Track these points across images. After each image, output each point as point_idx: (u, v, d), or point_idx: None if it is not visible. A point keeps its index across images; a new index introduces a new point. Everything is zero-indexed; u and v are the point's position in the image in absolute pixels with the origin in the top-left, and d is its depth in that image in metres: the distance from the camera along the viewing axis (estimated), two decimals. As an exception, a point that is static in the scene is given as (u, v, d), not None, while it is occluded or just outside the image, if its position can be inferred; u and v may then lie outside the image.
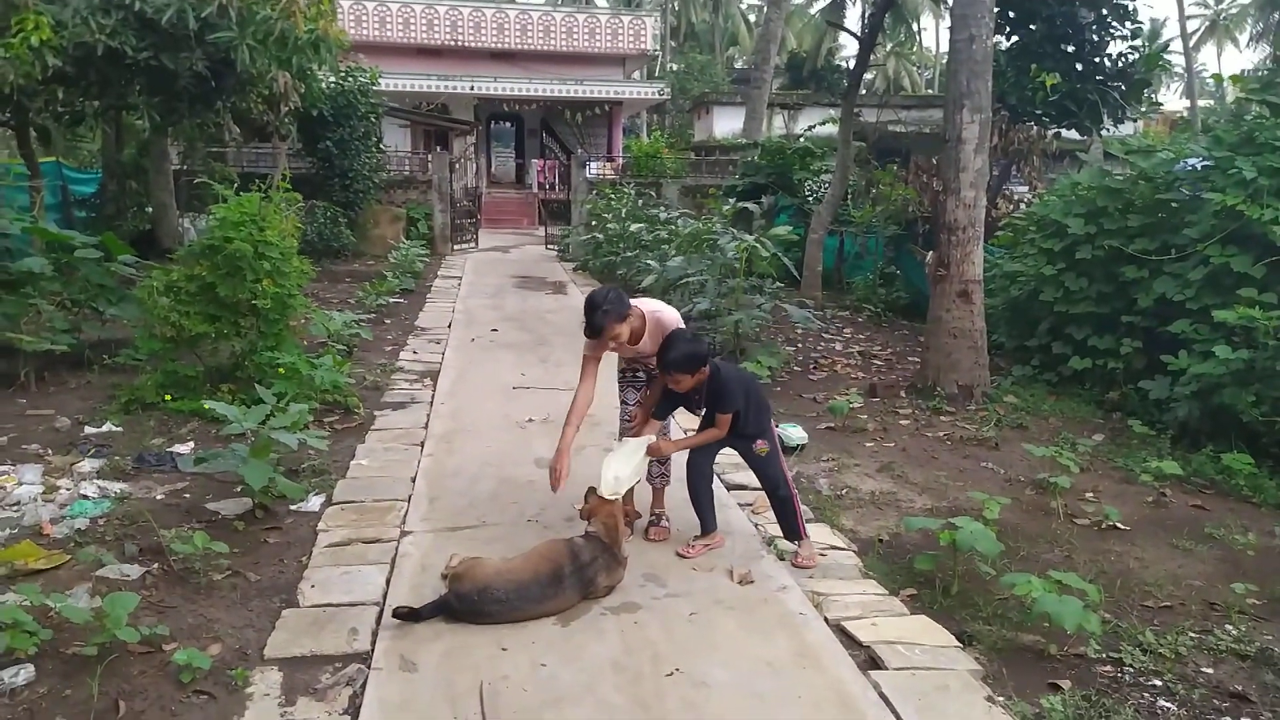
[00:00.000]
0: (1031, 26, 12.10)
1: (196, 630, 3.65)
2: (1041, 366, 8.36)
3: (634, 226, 12.99)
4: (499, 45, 27.89)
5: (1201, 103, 39.85)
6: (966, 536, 4.16)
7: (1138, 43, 12.57)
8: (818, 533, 4.84)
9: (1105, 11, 12.05)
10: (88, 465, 5.32)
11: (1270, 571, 4.59)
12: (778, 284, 9.51)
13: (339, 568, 4.18)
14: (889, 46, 45.73)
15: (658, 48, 35.56)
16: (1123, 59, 12.30)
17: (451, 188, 19.88)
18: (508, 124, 31.80)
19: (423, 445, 6.06)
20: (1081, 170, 9.35)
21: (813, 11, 46.82)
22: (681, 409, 4.64)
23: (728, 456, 4.76)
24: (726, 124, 29.66)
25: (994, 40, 8.13)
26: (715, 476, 4.77)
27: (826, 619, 3.88)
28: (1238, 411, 6.00)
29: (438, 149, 21.82)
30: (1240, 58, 60.70)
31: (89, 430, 6.00)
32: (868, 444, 6.57)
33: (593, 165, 23.54)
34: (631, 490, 4.39)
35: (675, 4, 50.01)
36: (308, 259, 7.41)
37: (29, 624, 3.27)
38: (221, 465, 4.90)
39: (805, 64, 41.61)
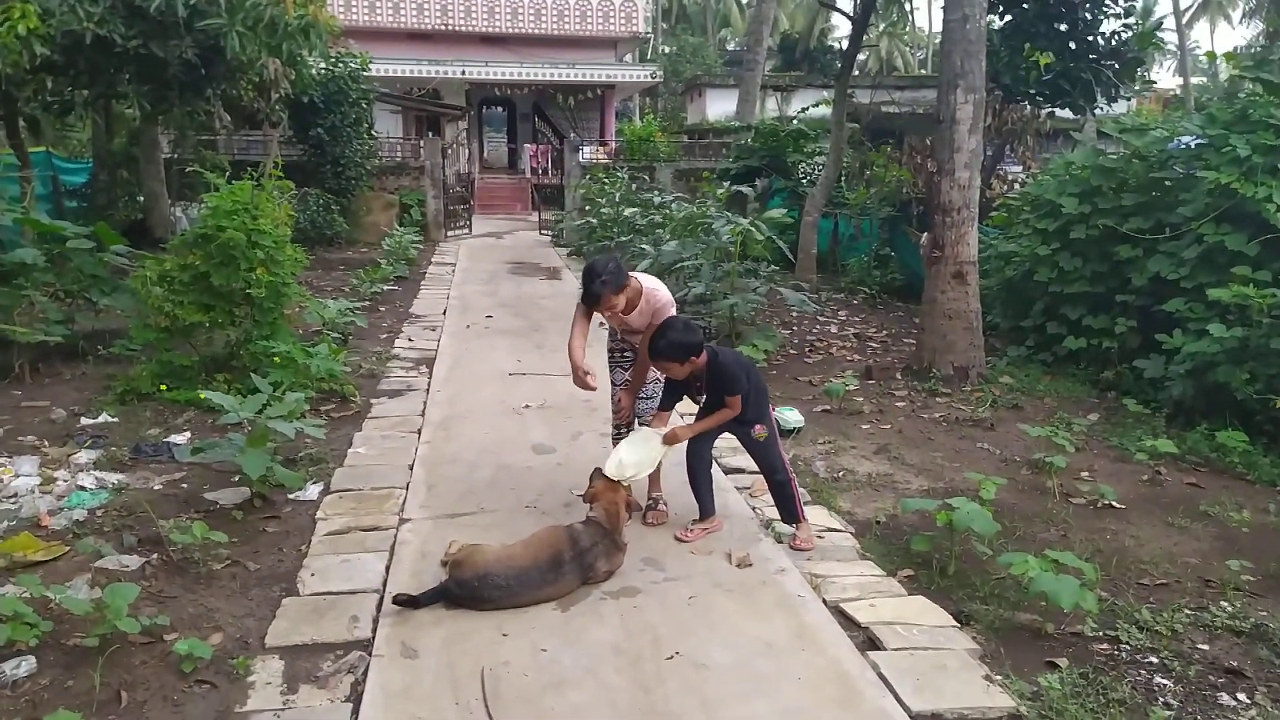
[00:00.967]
0: (1024, 5, 12.06)
1: (197, 620, 3.65)
2: (1037, 347, 8.38)
3: (628, 211, 12.95)
4: (490, 29, 27.70)
5: (1194, 80, 39.79)
6: (963, 517, 4.18)
7: (1131, 20, 12.54)
8: (815, 515, 4.86)
9: (1098, -11, 12.02)
10: (84, 456, 5.32)
11: (1265, 548, 4.62)
12: (773, 267, 9.51)
13: (338, 556, 4.18)
14: (882, 27, 45.51)
15: (649, 30, 35.39)
16: (1116, 37, 12.26)
17: (444, 173, 19.79)
18: (500, 109, 31.63)
19: (420, 433, 6.06)
20: (1075, 150, 9.33)
21: (805, -8, 46.57)
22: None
23: (725, 440, 4.77)
24: (719, 107, 29.50)
25: (987, 19, 8.08)
26: (713, 460, 4.78)
27: (825, 600, 3.90)
28: (1232, 389, 6.03)
29: (430, 135, 21.74)
30: (1233, 34, 60.67)
31: (85, 421, 5.99)
32: (864, 426, 6.59)
33: (586, 149, 23.45)
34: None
35: (667, -14, 49.71)
36: (301, 247, 7.38)
37: (29, 616, 3.28)
38: (218, 455, 4.90)
39: (798, 45, 41.36)
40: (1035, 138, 12.87)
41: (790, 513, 4.45)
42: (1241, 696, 3.32)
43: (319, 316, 7.81)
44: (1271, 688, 3.38)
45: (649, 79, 28.45)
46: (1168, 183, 7.43)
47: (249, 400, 4.89)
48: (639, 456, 4.26)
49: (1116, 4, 12.09)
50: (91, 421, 5.98)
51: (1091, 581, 3.82)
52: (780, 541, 4.47)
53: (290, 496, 4.89)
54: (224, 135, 18.80)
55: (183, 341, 6.78)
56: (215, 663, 3.33)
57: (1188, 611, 3.94)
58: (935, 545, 4.36)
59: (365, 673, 3.28)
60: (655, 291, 4.43)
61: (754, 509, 4.86)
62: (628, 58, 31.41)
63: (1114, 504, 5.16)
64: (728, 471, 5.37)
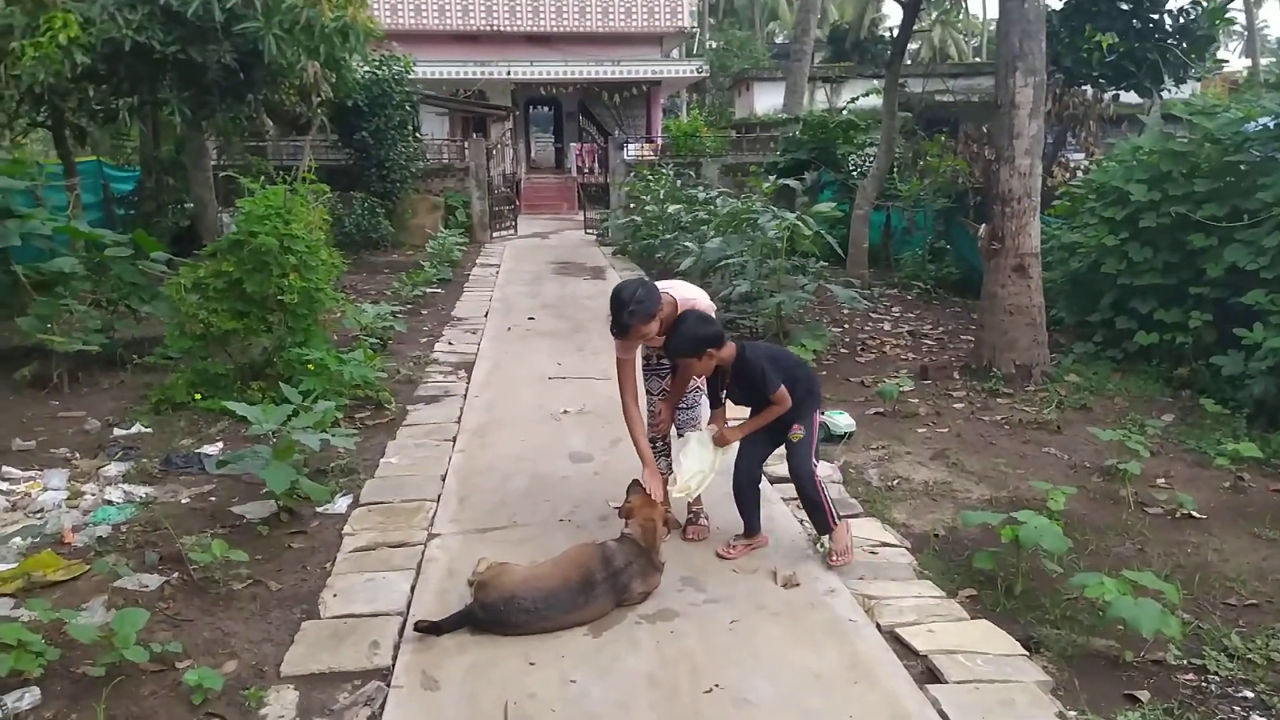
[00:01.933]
0: (1085, -16, 11.53)
1: (212, 645, 3.49)
2: (1104, 343, 7.91)
3: (672, 208, 12.69)
4: (535, 28, 27.63)
5: (1264, 61, 38.23)
6: (1031, 532, 3.85)
7: (1198, -4, 11.91)
8: (867, 528, 4.56)
9: (1163, -35, 11.45)
10: (114, 469, 5.22)
11: (1366, 564, 4.20)
12: (822, 263, 9.16)
13: (363, 574, 3.99)
14: (934, 15, 44.51)
15: (695, 25, 34.97)
16: (1183, 15, 11.65)
17: (489, 174, 19.70)
18: (545, 108, 31.54)
19: (455, 440, 5.87)
20: (1142, 134, 8.83)
21: (854, -19, 45.74)
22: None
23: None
24: (767, 100, 29.07)
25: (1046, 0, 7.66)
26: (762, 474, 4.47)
27: (879, 625, 3.61)
28: (1321, 388, 5.57)
29: (475, 135, 21.66)
30: (1304, 13, 58.09)
31: (118, 432, 5.92)
32: (920, 430, 6.24)
33: (631, 147, 23.22)
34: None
35: (713, -20, 49.26)
36: (345, 251, 7.27)
37: (36, 644, 3.13)
38: (245, 467, 4.76)
39: (848, 36, 40.67)
40: (1098, 122, 12.25)
41: (821, 521, 4.14)
42: (1353, 739, 2.96)
43: (356, 322, 7.68)
44: (1387, 729, 3.00)
45: (695, 74, 28.13)
46: (1243, 166, 6.92)
47: (275, 411, 4.73)
48: (700, 465, 4.03)
49: (1183, -20, 11.51)
50: (124, 432, 5.90)
51: (1173, 604, 3.48)
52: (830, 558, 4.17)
53: (319, 510, 4.72)
54: (271, 142, 18.94)
55: (218, 349, 6.69)
56: (227, 693, 3.15)
57: (1283, 637, 3.57)
58: (999, 562, 4.04)
59: (383, 705, 3.08)
60: (694, 302, 4.09)
61: (801, 522, 4.54)
62: (674, 53, 31.14)
63: (1194, 514, 4.77)
64: (774, 481, 5.03)
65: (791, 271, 8.34)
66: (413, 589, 3.86)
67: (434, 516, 4.63)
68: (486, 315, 10.42)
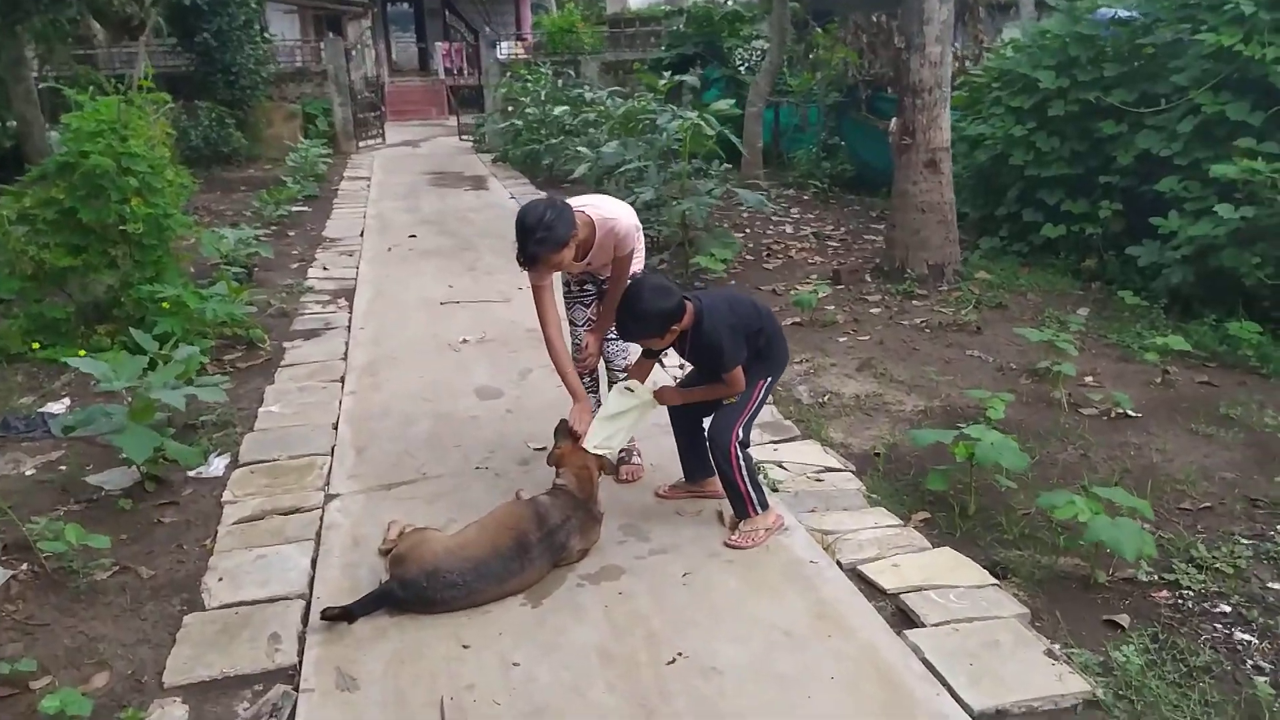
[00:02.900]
0: None
1: (75, 655, 2.91)
2: (1010, 237, 7.79)
3: (556, 110, 11.94)
4: (388, -85, 25.57)
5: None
6: (988, 449, 3.61)
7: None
8: (808, 452, 4.28)
9: None
10: (-65, 440, 4.43)
11: (1304, 455, 4.16)
12: (726, 165, 8.71)
13: (251, 551, 3.44)
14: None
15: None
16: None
17: (350, 78, 18.30)
18: (406, 4, 29.56)
19: (343, 381, 5.26)
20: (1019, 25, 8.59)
21: None
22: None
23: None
24: (642, -6, 27.97)
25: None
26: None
27: (840, 563, 3.31)
28: (1239, 275, 5.52)
29: (330, 35, 20.04)
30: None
31: (-61, 394, 5.06)
32: (841, 339, 5.97)
33: (504, 45, 21.93)
34: None
35: None
36: (194, 168, 6.39)
37: None
38: (96, 430, 4.06)
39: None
40: (988, 9, 12.05)
41: (739, 507, 3.45)
42: (1341, 651, 2.84)
43: (215, 250, 6.82)
44: (1371, 637, 2.90)
45: (564, -35, 26.69)
46: (1152, 49, 6.74)
47: (128, 363, 4.04)
48: (622, 421, 3.49)
49: None
50: (-53, 394, 5.06)
51: (1148, 519, 3.30)
52: (775, 490, 3.85)
53: (191, 475, 4.10)
54: (101, 49, 17.00)
55: (55, 290, 5.83)
56: (99, 716, 2.60)
57: (1244, 541, 3.46)
58: (950, 481, 3.81)
59: (292, 715, 2.60)
60: (611, 221, 3.51)
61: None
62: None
63: (1129, 413, 4.65)
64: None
65: (695, 176, 7.85)
66: (314, 564, 3.35)
67: (329, 473, 4.08)
68: (362, 235, 9.60)
